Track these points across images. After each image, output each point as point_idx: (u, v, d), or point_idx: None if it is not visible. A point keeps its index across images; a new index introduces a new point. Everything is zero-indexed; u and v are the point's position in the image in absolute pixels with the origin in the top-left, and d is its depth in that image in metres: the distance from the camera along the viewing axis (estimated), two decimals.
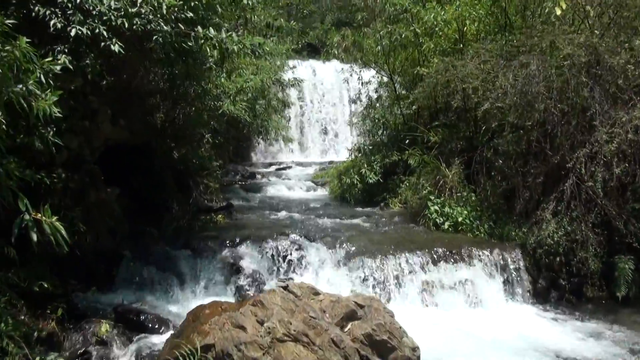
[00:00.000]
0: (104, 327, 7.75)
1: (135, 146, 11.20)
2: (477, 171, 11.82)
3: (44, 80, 6.04)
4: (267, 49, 12.84)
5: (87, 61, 7.71)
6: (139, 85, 11.00)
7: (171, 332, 7.73)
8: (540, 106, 10.20)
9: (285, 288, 6.98)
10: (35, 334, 7.18)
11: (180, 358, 6.20)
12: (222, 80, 13.33)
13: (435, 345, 7.71)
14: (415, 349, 6.82)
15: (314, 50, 28.41)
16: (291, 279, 9.28)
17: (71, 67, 7.26)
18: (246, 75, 14.61)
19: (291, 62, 21.59)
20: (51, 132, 6.84)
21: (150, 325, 7.96)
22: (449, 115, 14.03)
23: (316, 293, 7.23)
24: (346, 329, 6.71)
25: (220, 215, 12.55)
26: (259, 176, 19.01)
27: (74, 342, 7.51)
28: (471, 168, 12.08)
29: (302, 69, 23.06)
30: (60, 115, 6.07)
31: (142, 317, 8.02)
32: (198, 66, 10.19)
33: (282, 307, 6.55)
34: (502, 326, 9.03)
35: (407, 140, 14.46)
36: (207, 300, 8.75)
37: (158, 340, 7.69)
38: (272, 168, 20.56)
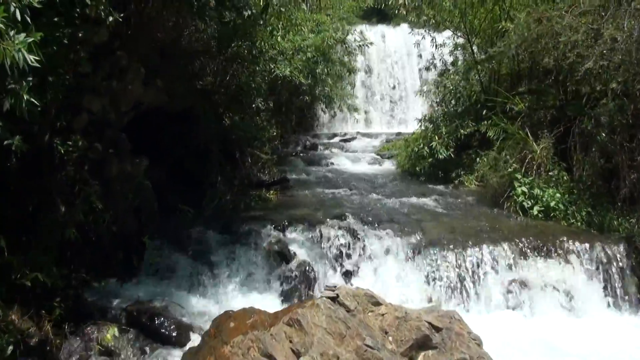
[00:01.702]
0: (111, 332, 5.99)
1: (178, 112, 9.40)
2: (573, 146, 9.52)
3: (19, 17, 4.28)
4: None
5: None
6: (181, 41, 9.24)
7: (192, 344, 5.91)
8: None
9: (335, 299, 5.01)
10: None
11: None
12: (278, 39, 11.33)
13: None
14: None
15: (384, 17, 26.03)
16: (349, 283, 7.36)
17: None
18: (304, 34, 12.52)
19: (359, 27, 19.37)
20: (26, 88, 4.94)
21: (167, 332, 6.11)
22: (533, 81, 11.70)
23: (376, 303, 5.23)
24: None
25: (272, 192, 10.66)
26: (321, 147, 17.10)
27: (71, 351, 5.77)
28: (562, 142, 9.80)
29: (371, 34, 20.63)
30: (37, 64, 4.38)
31: (158, 322, 6.16)
32: (247, 22, 8.39)
33: (327, 330, 4.56)
34: (602, 340, 6.82)
35: (484, 111, 12.14)
36: (244, 300, 6.99)
37: (176, 352, 5.88)
38: (336, 139, 18.62)
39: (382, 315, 5.11)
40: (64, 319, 5.97)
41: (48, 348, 5.71)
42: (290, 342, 4.53)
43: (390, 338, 4.85)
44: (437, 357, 4.62)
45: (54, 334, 5.83)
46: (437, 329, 4.86)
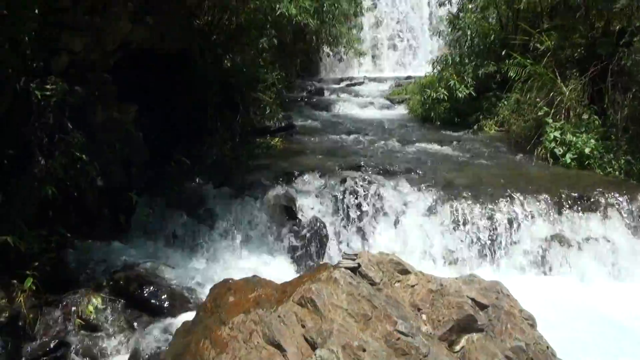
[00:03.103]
0: (94, 303, 5.00)
1: (172, 54, 8.27)
2: (610, 86, 8.38)
3: None
4: None
5: None
6: None
7: (189, 314, 4.95)
8: None
9: (355, 270, 4.00)
10: None
11: None
12: None
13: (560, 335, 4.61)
14: None
15: None
16: (365, 241, 6.36)
17: None
18: None
19: None
20: None
21: (158, 303, 5.10)
22: (555, 19, 10.51)
23: (403, 271, 4.23)
24: (458, 348, 3.72)
25: (277, 139, 9.60)
26: (327, 92, 15.87)
27: (48, 325, 4.81)
28: (595, 84, 8.66)
29: None
30: None
31: (148, 291, 5.16)
32: None
33: (348, 312, 3.56)
34: None
35: (504, 50, 10.91)
36: (246, 263, 6.04)
37: (168, 326, 4.91)
38: (343, 84, 17.29)
39: (412, 287, 4.11)
40: (41, 289, 4.99)
41: (20, 324, 4.77)
42: (303, 327, 3.52)
43: (423, 317, 3.86)
44: (485, 344, 3.62)
45: (29, 307, 4.88)
46: (482, 307, 3.85)
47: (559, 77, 9.14)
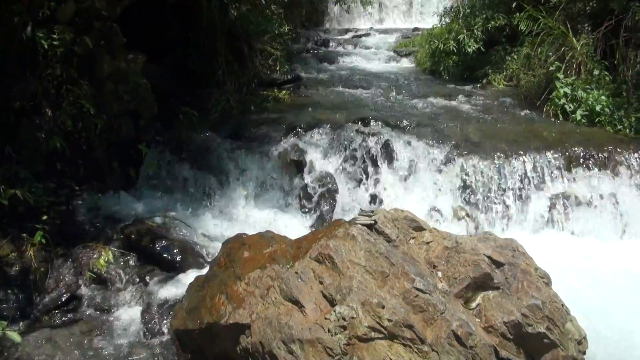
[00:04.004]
0: (105, 257, 5.02)
1: (179, 2, 8.10)
2: (623, 42, 8.22)
3: None
4: None
5: None
6: None
7: (199, 271, 4.97)
8: None
9: (371, 227, 3.99)
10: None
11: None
12: None
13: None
14: (581, 340, 3.80)
15: None
16: (377, 198, 6.34)
17: None
18: None
19: None
20: None
21: (170, 257, 5.12)
22: None
23: (418, 228, 4.23)
24: (474, 305, 3.73)
25: (285, 91, 9.47)
26: (332, 44, 15.56)
27: (58, 279, 4.82)
28: (606, 39, 8.50)
29: None
30: None
31: (160, 245, 5.18)
32: None
33: (366, 269, 3.56)
34: None
35: (514, 3, 10.67)
36: (258, 217, 6.03)
37: (180, 281, 4.93)
38: (348, 35, 16.93)
39: (427, 244, 4.12)
40: (51, 242, 4.99)
41: (31, 277, 4.78)
42: (321, 283, 3.53)
43: (439, 274, 3.87)
44: (501, 301, 3.64)
45: (40, 260, 4.89)
46: (498, 265, 3.86)
47: (570, 32, 8.95)
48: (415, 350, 3.29)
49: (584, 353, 3.84)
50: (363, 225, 3.91)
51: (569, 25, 9.07)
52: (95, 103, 5.94)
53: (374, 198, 6.43)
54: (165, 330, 4.39)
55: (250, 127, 7.13)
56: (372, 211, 4.06)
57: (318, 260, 3.67)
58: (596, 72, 8.55)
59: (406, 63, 13.42)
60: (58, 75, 5.90)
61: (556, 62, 8.66)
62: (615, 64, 8.56)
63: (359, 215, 4.07)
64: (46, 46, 5.69)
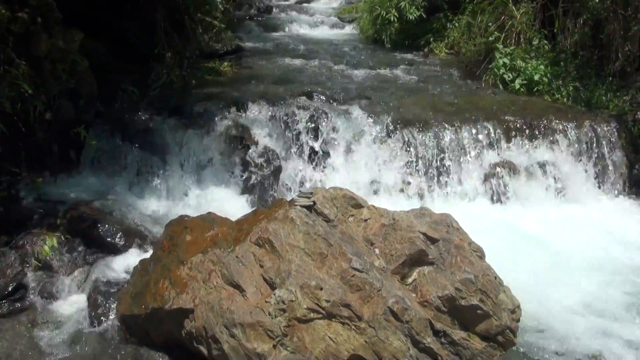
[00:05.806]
0: (49, 243, 5.02)
1: None
2: (562, 12, 8.47)
3: None
4: None
5: None
6: None
7: (143, 253, 5.04)
8: None
9: (310, 208, 4.12)
10: None
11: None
12: None
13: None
14: (515, 309, 4.05)
15: None
16: (318, 171, 6.48)
17: None
18: None
19: None
20: None
21: (113, 240, 5.12)
22: None
23: (357, 205, 4.38)
24: (410, 281, 3.92)
25: (226, 63, 9.41)
26: (276, 10, 15.41)
27: (3, 269, 4.79)
28: (545, 9, 8.75)
29: None
30: None
31: (102, 229, 5.16)
32: None
33: (305, 251, 3.70)
34: (592, 226, 6.29)
35: None
36: (200, 195, 6.11)
37: (124, 264, 4.98)
38: (292, 0, 16.89)
39: (365, 221, 4.28)
40: None
41: None
42: (261, 267, 3.66)
43: (376, 251, 4.04)
44: (435, 276, 3.84)
45: None
46: (433, 241, 4.05)
47: (510, 0, 9.16)
48: (353, 327, 3.47)
49: (518, 321, 4.08)
50: (302, 206, 4.04)
51: None
52: (34, 83, 5.83)
53: (314, 171, 6.55)
54: (112, 316, 4.44)
55: (193, 103, 7.09)
56: (311, 193, 4.18)
57: (258, 244, 3.79)
58: (535, 42, 8.82)
59: (350, 30, 13.51)
60: None
61: (496, 32, 8.88)
62: (554, 34, 8.83)
63: (297, 196, 4.18)
64: None
